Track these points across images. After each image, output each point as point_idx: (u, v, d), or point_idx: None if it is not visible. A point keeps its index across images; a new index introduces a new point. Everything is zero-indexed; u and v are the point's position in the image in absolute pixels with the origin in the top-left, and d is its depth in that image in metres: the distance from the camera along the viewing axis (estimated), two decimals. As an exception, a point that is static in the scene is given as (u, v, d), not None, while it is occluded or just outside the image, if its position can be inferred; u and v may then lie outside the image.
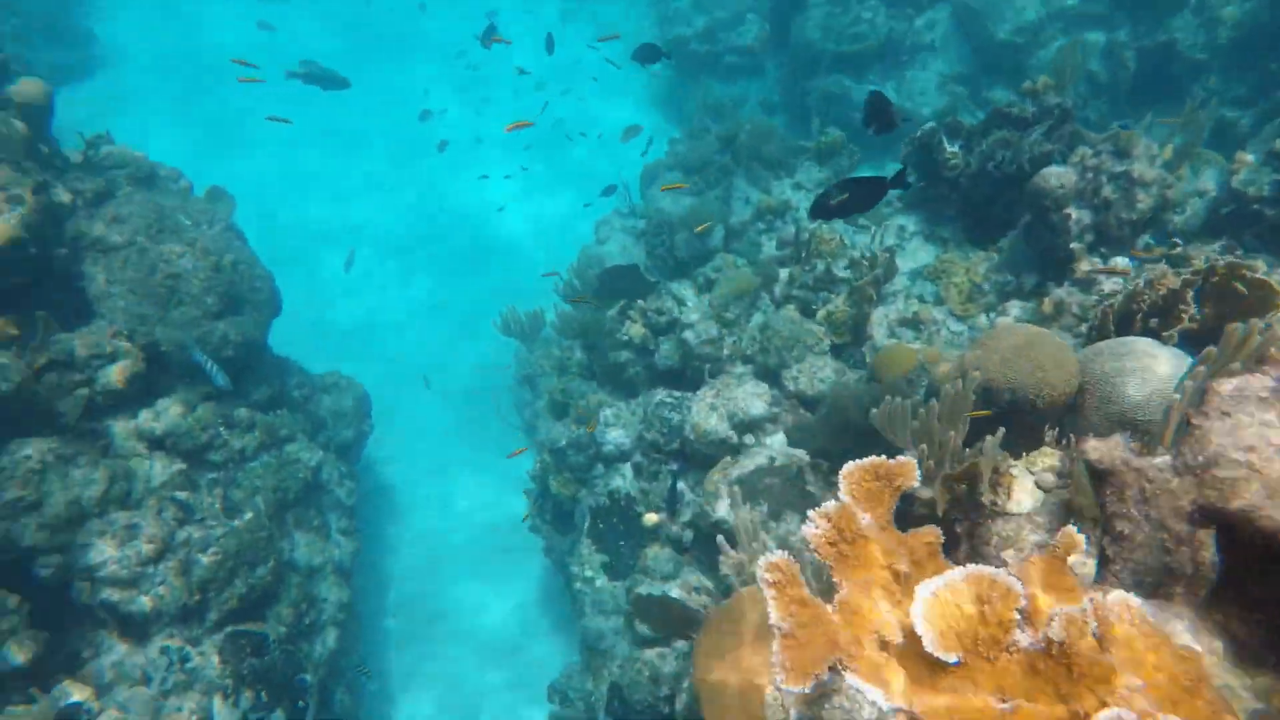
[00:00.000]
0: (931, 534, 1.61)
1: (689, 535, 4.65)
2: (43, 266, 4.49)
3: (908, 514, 2.51)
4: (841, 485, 1.65)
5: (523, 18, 12.75)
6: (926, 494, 2.52)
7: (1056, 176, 4.38)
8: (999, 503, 2.42)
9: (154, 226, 4.75)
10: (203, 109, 10.91)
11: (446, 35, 12.53)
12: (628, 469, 5.25)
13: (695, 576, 4.56)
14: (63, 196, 4.69)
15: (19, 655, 3.79)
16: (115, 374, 4.54)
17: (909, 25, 8.85)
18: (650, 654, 4.33)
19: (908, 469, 1.65)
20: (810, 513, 1.57)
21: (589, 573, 5.05)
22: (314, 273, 9.62)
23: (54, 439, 4.19)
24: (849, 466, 1.67)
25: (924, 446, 2.51)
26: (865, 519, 1.58)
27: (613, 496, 5.10)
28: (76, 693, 3.94)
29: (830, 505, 1.58)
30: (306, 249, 9.77)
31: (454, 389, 8.48)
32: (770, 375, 5.09)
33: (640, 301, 5.45)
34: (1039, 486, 2.45)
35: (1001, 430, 2.40)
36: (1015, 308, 4.65)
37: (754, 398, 4.66)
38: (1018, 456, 2.56)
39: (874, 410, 2.82)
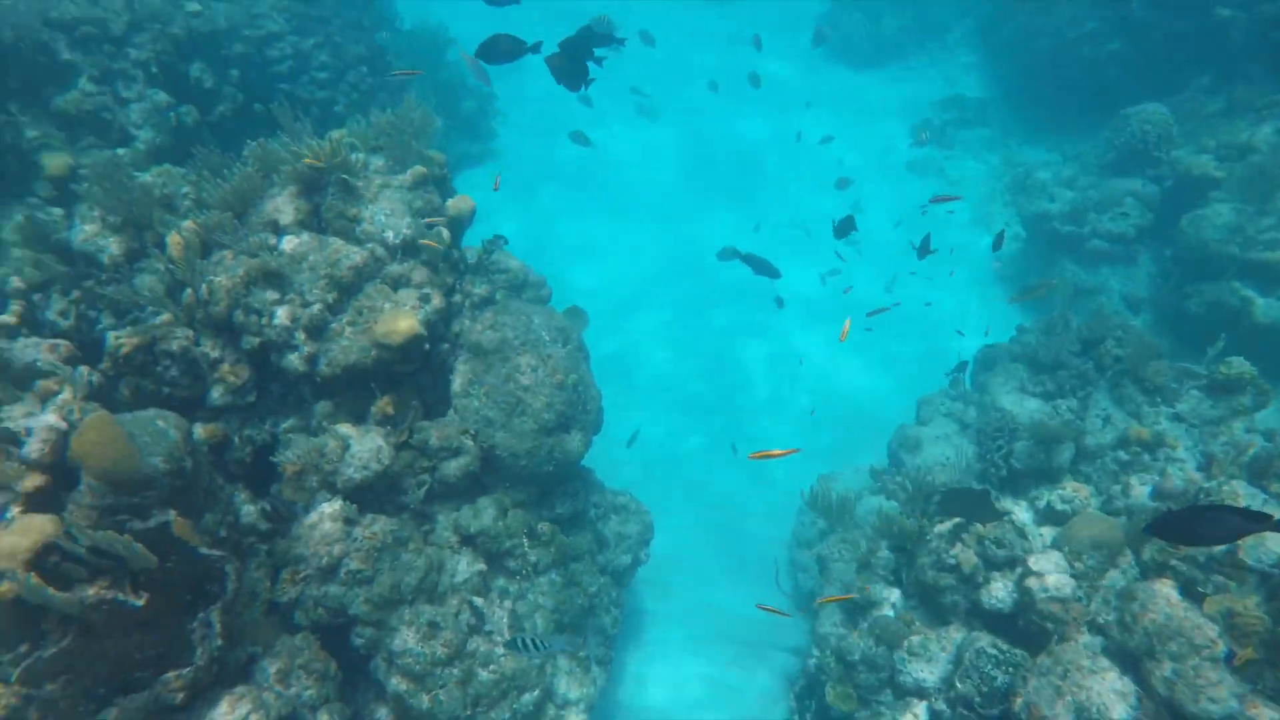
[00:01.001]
0: None
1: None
2: (426, 357, 4.98)
3: None
4: None
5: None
6: None
7: None
8: None
9: (519, 339, 5.09)
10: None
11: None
12: (923, 710, 4.55)
13: None
14: (458, 298, 5.21)
15: (318, 720, 4.01)
16: (453, 467, 4.85)
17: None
18: None
19: None
20: None
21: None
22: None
23: (395, 520, 4.52)
24: None
25: None
26: None
27: (901, 741, 4.43)
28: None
29: None
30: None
31: (733, 528, 8.18)
32: (1128, 659, 4.16)
33: (978, 527, 4.81)
34: None
35: None
36: None
37: (1116, 697, 3.80)
38: None
39: None
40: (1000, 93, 13.97)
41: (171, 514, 3.65)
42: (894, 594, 5.26)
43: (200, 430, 4.67)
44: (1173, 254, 8.82)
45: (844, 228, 5.91)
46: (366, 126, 5.90)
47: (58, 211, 6.27)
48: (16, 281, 5.32)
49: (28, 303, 5.10)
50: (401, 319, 4.55)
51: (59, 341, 4.30)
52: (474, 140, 12.87)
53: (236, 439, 4.85)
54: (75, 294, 5.14)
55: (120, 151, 7.26)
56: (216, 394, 4.74)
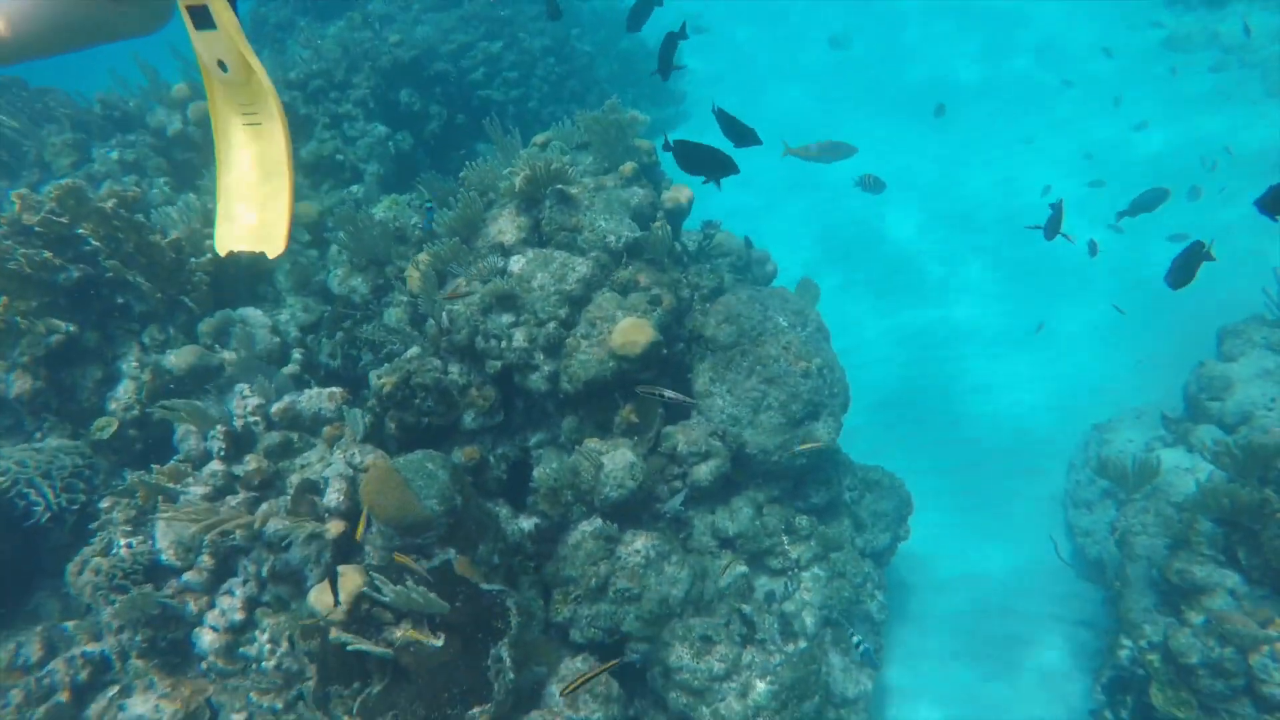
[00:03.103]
0: None
1: None
2: (664, 360, 4.84)
3: None
4: None
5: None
6: None
7: None
8: None
9: (756, 330, 4.80)
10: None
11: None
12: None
13: None
14: (685, 292, 5.00)
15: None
16: (704, 471, 4.70)
17: None
18: None
19: None
20: None
21: None
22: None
23: (655, 534, 4.46)
24: None
25: None
26: None
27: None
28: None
29: None
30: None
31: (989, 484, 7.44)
32: None
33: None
34: None
35: None
36: None
37: None
38: None
39: None
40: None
41: (452, 552, 3.81)
42: (1230, 578, 4.41)
43: (460, 455, 4.88)
44: None
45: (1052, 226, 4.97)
46: (570, 127, 5.82)
47: (313, 254, 6.86)
48: (295, 330, 5.88)
49: (305, 348, 5.61)
50: (636, 329, 4.42)
51: (335, 390, 4.64)
52: (663, 105, 12.61)
53: (492, 458, 5.03)
54: (339, 335, 5.57)
55: (354, 189, 7.80)
56: (469, 418, 4.92)
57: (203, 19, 2.15)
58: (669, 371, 4.91)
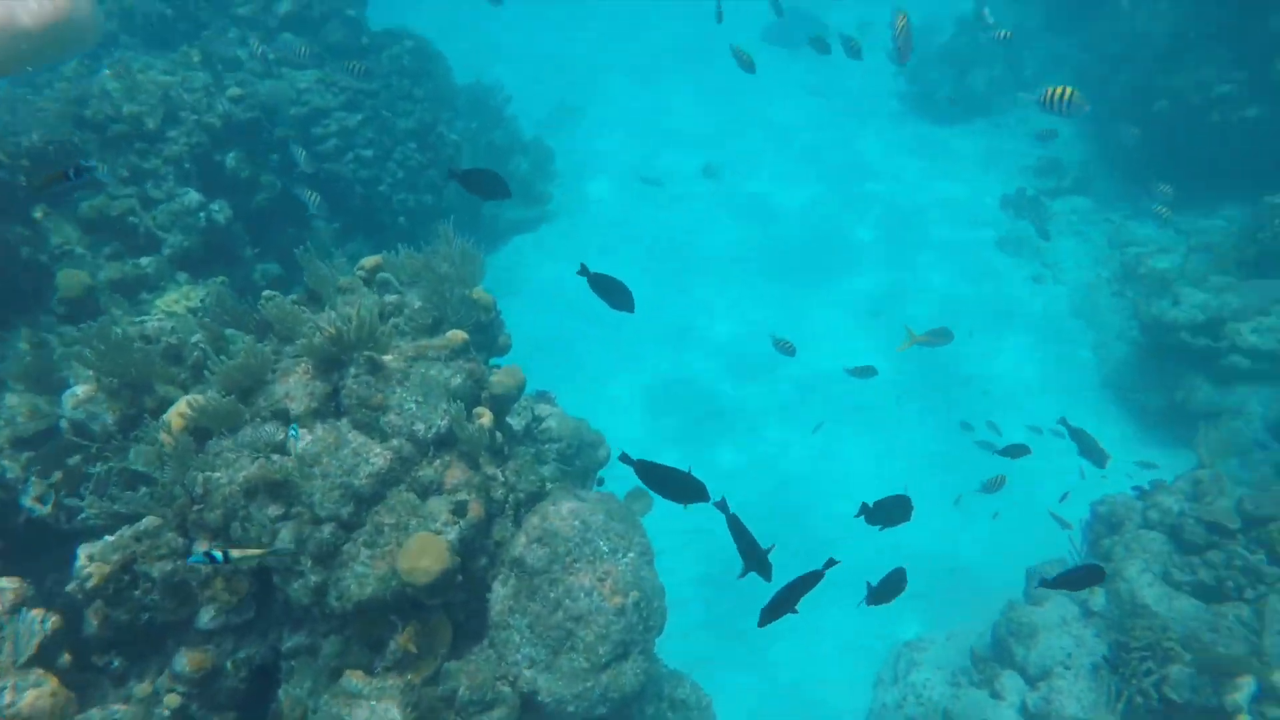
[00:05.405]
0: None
1: None
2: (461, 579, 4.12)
3: None
4: None
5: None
6: None
7: None
8: None
9: (573, 554, 4.20)
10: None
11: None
12: None
13: None
14: (499, 493, 4.35)
15: None
16: None
17: None
18: None
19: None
20: None
21: None
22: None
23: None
24: None
25: None
26: None
27: None
28: None
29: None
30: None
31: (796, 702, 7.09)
32: None
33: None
34: None
35: None
36: None
37: None
38: None
39: None
40: (1101, 156, 12.67)
41: None
42: None
43: (185, 663, 3.90)
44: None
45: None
46: (405, 257, 5.10)
47: (70, 331, 5.64)
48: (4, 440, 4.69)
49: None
50: (429, 551, 3.70)
51: (7, 585, 3.55)
52: (529, 205, 12.12)
53: (230, 664, 4.06)
54: (57, 476, 4.44)
55: (144, 261, 6.64)
56: (207, 616, 3.95)
57: None
58: (466, 585, 4.19)
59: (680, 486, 3.43)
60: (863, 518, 4.03)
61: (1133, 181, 11.65)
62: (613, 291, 4.12)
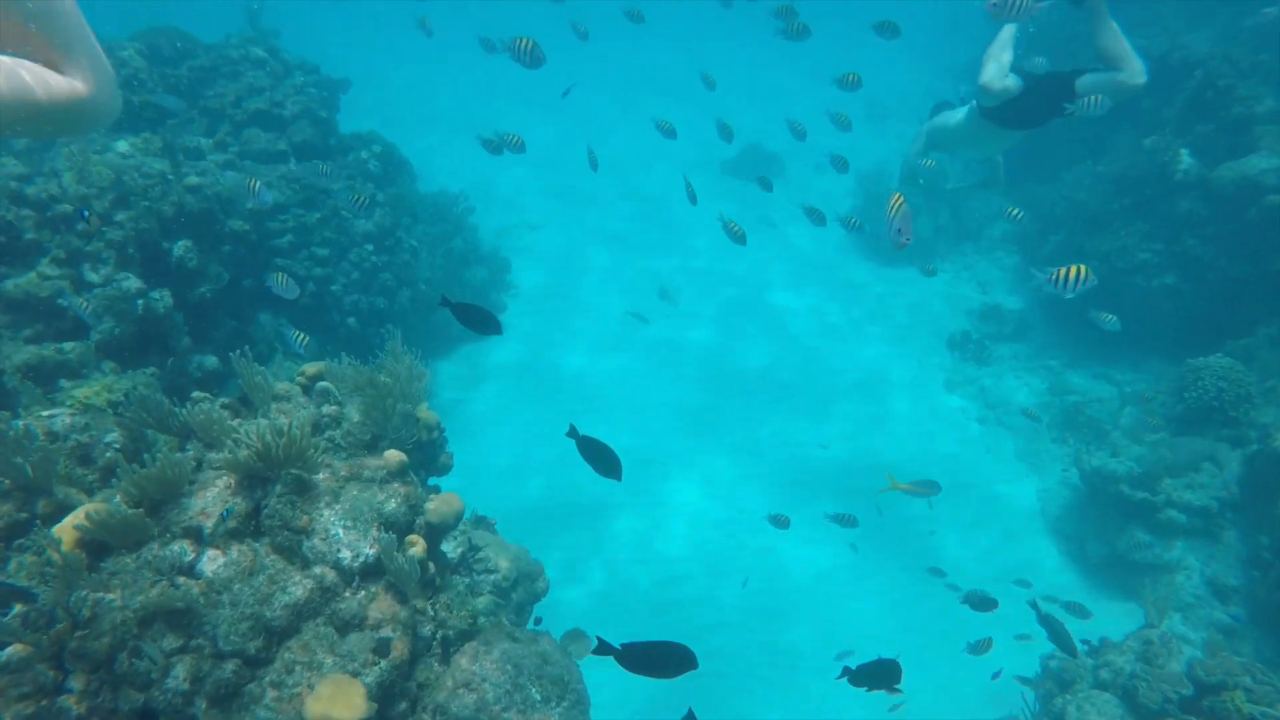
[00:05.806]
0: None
1: None
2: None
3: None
4: None
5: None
6: None
7: None
8: None
9: (501, 702, 3.82)
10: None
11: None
12: None
13: None
14: (427, 629, 3.98)
15: None
16: None
17: None
18: None
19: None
20: None
21: None
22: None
23: None
24: None
25: None
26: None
27: None
28: None
29: None
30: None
31: None
32: None
33: None
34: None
35: None
36: None
37: None
38: None
39: None
40: (1038, 305, 13.26)
41: None
42: None
43: (39, 823, 3.33)
44: (1271, 543, 7.66)
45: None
46: (348, 368, 4.86)
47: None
48: None
49: None
50: (343, 698, 3.31)
51: None
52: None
53: (95, 822, 3.50)
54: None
55: (67, 347, 6.25)
56: (75, 768, 3.42)
57: None
58: (383, 734, 3.75)
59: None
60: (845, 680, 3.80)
61: (1066, 331, 12.19)
62: (600, 457, 3.99)
